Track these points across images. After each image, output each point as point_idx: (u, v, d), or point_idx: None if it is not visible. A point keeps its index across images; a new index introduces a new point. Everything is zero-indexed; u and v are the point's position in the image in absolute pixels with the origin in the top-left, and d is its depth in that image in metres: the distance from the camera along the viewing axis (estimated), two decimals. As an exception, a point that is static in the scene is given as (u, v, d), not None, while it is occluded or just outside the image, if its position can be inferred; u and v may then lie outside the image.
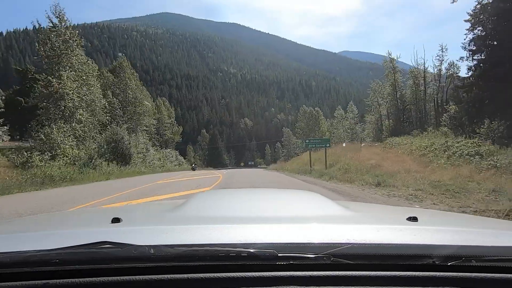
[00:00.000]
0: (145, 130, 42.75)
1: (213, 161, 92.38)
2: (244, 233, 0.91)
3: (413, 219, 1.10)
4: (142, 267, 0.79)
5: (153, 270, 0.79)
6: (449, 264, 0.80)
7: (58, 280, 0.77)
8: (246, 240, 0.86)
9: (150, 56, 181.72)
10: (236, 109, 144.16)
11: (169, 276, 0.78)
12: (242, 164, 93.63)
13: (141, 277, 0.77)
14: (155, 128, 48.56)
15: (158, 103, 59.29)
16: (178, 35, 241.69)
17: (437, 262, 0.80)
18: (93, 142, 26.47)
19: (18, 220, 1.95)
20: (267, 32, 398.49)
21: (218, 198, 1.66)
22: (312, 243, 0.84)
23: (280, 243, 0.84)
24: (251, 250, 0.79)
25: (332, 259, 0.79)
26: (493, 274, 0.80)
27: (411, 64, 38.43)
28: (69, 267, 0.78)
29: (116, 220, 1.09)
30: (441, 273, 0.80)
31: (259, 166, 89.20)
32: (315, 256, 0.79)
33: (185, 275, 0.78)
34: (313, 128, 61.67)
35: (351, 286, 0.78)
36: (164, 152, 48.95)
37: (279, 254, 0.79)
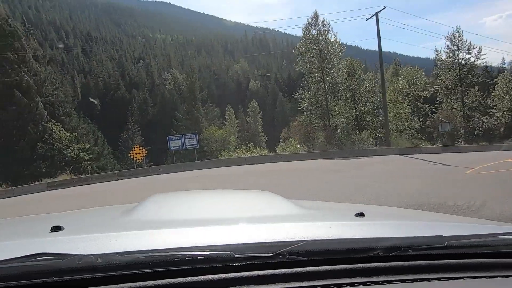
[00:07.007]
0: None
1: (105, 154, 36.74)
2: (201, 236, 0.89)
3: (360, 214, 1.15)
4: (88, 279, 0.72)
5: (101, 281, 0.73)
6: (390, 255, 0.84)
7: None
8: (203, 242, 0.84)
9: (26, 12, 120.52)
10: (161, 69, 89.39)
11: (119, 286, 0.73)
12: (202, 158, 27.76)
13: None
14: None
15: None
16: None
17: (381, 254, 0.84)
18: None
19: None
20: (201, 11, 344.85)
21: (173, 201, 1.62)
22: (268, 242, 0.85)
23: (237, 244, 0.84)
24: (208, 253, 0.78)
25: (287, 256, 0.80)
26: (427, 261, 0.86)
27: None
28: None
29: (56, 228, 0.99)
30: (385, 264, 0.85)
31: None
32: (272, 255, 0.80)
33: (137, 284, 0.73)
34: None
35: (306, 281, 0.79)
36: None
37: (236, 255, 0.78)
